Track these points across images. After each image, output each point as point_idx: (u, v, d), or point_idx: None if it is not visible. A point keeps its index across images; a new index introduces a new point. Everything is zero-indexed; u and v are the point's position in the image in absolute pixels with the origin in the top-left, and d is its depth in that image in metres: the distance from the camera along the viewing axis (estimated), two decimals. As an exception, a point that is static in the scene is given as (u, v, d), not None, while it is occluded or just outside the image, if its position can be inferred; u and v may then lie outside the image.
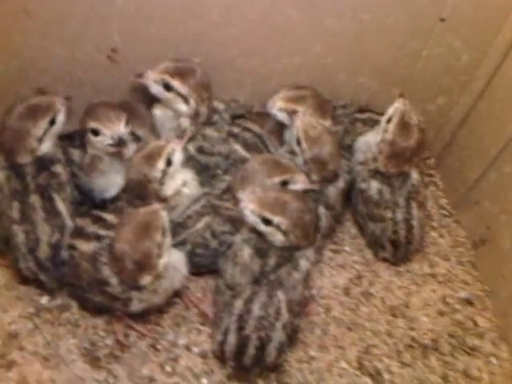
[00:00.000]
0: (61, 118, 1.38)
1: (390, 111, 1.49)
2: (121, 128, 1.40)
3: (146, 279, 1.28)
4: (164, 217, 1.30)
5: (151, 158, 1.39)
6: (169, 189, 1.43)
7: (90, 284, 1.35)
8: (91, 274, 1.34)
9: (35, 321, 1.44)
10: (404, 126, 1.47)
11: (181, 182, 1.46)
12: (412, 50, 1.52)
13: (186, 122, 1.51)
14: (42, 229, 1.37)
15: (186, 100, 1.47)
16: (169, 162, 1.40)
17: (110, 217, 1.41)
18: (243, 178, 1.44)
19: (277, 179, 1.42)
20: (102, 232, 1.37)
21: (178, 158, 1.42)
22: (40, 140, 1.35)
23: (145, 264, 1.27)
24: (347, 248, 1.68)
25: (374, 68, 1.57)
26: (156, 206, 1.32)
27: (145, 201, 1.41)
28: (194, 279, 1.54)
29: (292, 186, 1.43)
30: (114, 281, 1.31)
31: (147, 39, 1.42)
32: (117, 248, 1.28)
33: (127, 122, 1.42)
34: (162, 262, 1.30)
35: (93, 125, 1.40)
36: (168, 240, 1.32)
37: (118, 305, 1.36)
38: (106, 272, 1.32)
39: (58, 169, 1.40)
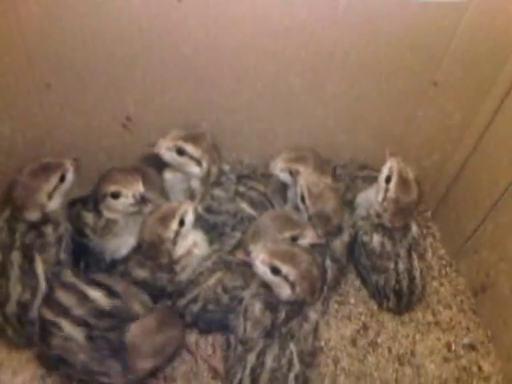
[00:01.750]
0: (70, 176, 1.45)
1: (386, 170, 1.58)
2: (140, 187, 1.47)
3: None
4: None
5: (165, 219, 1.45)
6: (180, 248, 1.48)
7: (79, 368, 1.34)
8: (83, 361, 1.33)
9: (47, 382, 1.46)
10: (404, 182, 1.56)
11: (192, 243, 1.51)
12: (407, 112, 1.61)
13: (196, 184, 1.59)
14: (13, 286, 1.41)
15: (198, 162, 1.55)
16: (182, 222, 1.46)
17: (96, 295, 1.36)
18: (255, 232, 1.50)
19: (287, 234, 1.48)
20: (92, 320, 1.34)
21: (190, 218, 1.48)
22: (50, 196, 1.42)
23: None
24: (352, 300, 1.73)
25: (372, 128, 1.66)
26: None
27: (156, 261, 1.47)
28: (203, 335, 1.58)
29: (301, 241, 1.49)
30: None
31: (160, 108, 1.51)
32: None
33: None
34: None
35: (113, 188, 1.46)
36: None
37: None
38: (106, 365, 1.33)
39: (48, 230, 1.45)
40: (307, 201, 1.55)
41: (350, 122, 1.63)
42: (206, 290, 1.50)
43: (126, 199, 1.47)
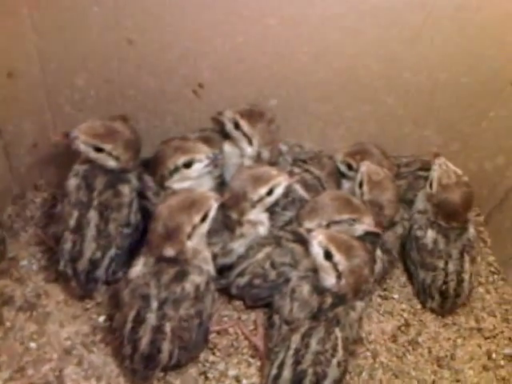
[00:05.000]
0: None
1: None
2: (205, 147, 1.48)
3: (168, 251, 1.31)
4: (213, 208, 1.36)
5: (257, 181, 1.45)
6: (252, 215, 1.47)
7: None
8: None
9: (91, 338, 1.47)
10: (444, 187, 1.56)
11: (263, 218, 1.50)
12: (479, 111, 1.59)
13: (248, 162, 1.58)
14: (88, 245, 1.43)
15: (249, 141, 1.54)
16: (270, 192, 1.46)
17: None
18: (312, 209, 1.49)
19: (345, 216, 1.47)
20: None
21: (279, 191, 1.47)
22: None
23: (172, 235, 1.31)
24: (396, 296, 1.70)
25: (441, 123, 1.64)
26: (212, 194, 1.38)
27: (228, 212, 1.46)
28: (246, 312, 1.58)
29: (357, 226, 1.47)
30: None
31: (233, 78, 1.50)
32: (158, 208, 1.33)
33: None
34: (190, 244, 1.33)
35: (184, 159, 1.46)
36: (204, 227, 1.36)
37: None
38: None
39: (125, 189, 1.46)
40: (364, 186, 1.54)
41: (419, 113, 1.61)
42: (254, 264, 1.49)
43: (201, 163, 1.47)
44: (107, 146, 1.40)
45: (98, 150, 1.40)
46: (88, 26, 1.36)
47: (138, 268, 1.33)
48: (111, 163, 1.43)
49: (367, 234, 1.50)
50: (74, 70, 1.45)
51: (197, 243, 1.35)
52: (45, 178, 1.72)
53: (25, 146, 1.61)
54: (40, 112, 1.52)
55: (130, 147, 1.43)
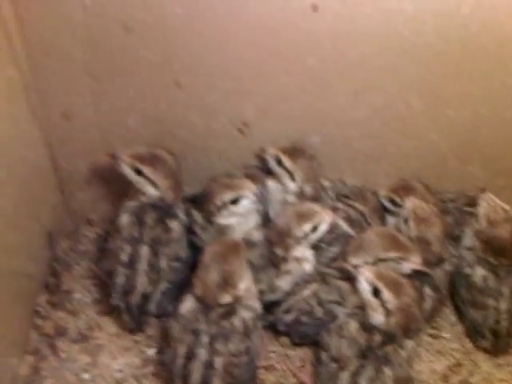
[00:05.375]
0: None
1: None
2: (252, 184, 1.51)
3: (225, 298, 1.30)
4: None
5: (302, 218, 1.47)
6: (298, 252, 1.48)
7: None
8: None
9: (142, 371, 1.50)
10: (492, 223, 1.54)
11: (308, 256, 1.50)
12: (524, 144, 1.58)
13: (291, 198, 1.61)
14: (140, 280, 1.46)
15: (292, 177, 1.58)
16: (314, 229, 1.48)
17: None
18: (358, 245, 1.49)
19: (392, 254, 1.45)
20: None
21: (323, 228, 1.48)
22: None
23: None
24: (446, 335, 1.66)
25: (485, 158, 1.63)
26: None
27: (274, 247, 1.47)
28: (293, 348, 1.57)
29: (405, 264, 1.45)
30: None
31: (276, 116, 1.54)
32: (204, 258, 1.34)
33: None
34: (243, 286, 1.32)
35: (231, 196, 1.49)
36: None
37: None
38: None
39: (173, 225, 1.49)
40: (411, 222, 1.53)
41: (463, 149, 1.61)
42: (300, 301, 1.49)
43: (248, 200, 1.50)
44: (147, 169, 1.44)
45: (138, 172, 1.44)
46: (138, 70, 1.43)
47: (188, 303, 1.34)
48: (151, 190, 1.46)
49: (415, 272, 1.47)
50: (126, 110, 1.52)
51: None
52: (97, 213, 1.78)
53: (78, 182, 1.68)
54: (93, 150, 1.59)
55: (169, 175, 1.46)
